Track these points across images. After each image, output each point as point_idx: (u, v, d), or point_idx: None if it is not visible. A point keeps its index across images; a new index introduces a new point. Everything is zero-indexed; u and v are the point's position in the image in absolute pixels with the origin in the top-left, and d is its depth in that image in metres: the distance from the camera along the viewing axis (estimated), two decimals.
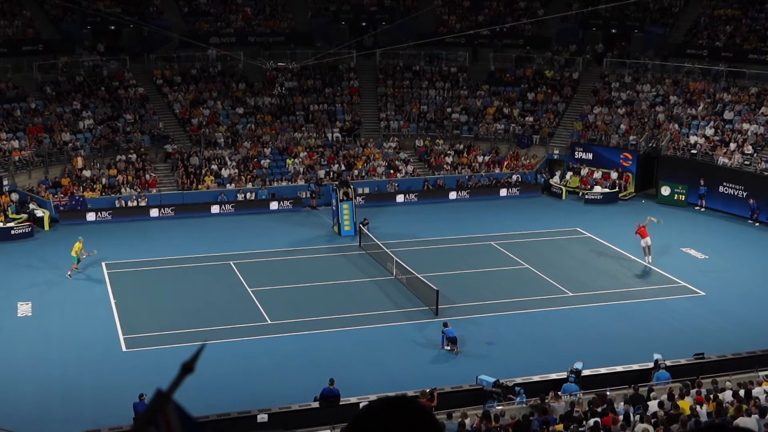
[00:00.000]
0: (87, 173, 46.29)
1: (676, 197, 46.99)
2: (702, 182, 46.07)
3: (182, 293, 33.70)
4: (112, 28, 55.90)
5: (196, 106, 52.05)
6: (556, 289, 34.54)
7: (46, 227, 41.81)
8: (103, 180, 46.04)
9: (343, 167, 49.41)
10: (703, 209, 46.04)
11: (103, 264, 36.46)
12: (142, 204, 44.82)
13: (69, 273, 35.25)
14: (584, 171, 50.18)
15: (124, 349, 28.49)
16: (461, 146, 52.48)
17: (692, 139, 48.30)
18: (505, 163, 51.37)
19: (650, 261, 37.41)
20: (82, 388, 25.76)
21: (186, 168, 47.59)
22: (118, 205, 44.51)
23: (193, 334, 29.44)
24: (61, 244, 39.64)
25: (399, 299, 33.19)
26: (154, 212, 44.44)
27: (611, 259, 38.58)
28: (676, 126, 49.64)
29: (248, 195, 46.25)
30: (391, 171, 49.77)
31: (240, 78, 54.64)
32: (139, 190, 45.75)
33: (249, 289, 33.97)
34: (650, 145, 49.65)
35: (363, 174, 49.38)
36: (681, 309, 32.71)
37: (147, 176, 46.73)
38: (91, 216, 43.41)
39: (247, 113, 52.58)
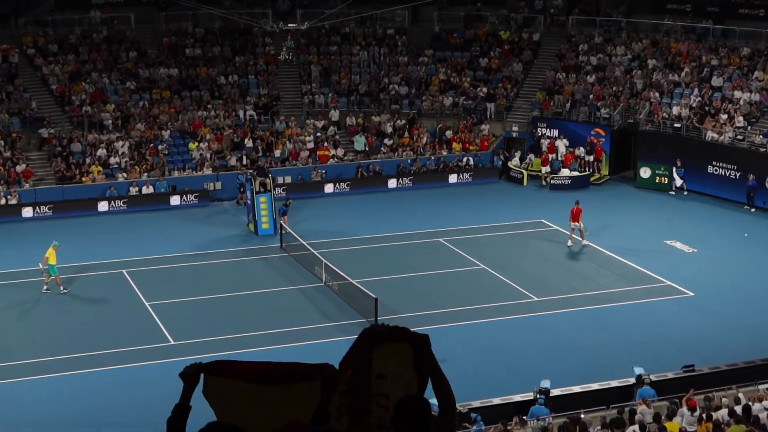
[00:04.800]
0: None
1: (657, 180, 47.58)
2: (679, 163, 46.71)
3: (63, 311, 33.21)
4: None
5: (76, 81, 51.28)
6: (518, 293, 34.72)
7: None
8: None
9: (259, 152, 49.12)
10: (685, 193, 46.62)
11: None
12: (12, 202, 44.08)
13: (45, 287, 34.52)
14: (545, 144, 50.50)
15: None
16: (402, 122, 52.51)
17: (675, 110, 48.94)
18: (456, 138, 51.47)
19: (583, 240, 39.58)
20: None
21: (66, 157, 46.91)
22: None
23: (76, 361, 29.05)
24: None
25: (330, 310, 33.08)
26: (27, 212, 43.73)
27: (583, 256, 38.91)
28: (656, 95, 50.25)
29: (144, 188, 45.76)
30: (318, 155, 49.59)
31: (131, 45, 53.96)
32: (7, 185, 45.00)
33: (146, 303, 33.57)
34: (626, 119, 50.21)
35: (283, 160, 49.16)
36: (666, 313, 33.11)
37: (17, 168, 45.99)
38: None
39: (140, 88, 51.96)
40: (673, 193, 46.81)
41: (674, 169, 46.92)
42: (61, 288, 34.71)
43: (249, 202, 42.05)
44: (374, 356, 4.75)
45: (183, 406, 5.23)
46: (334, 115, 52.41)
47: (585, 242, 39.52)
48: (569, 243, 39.42)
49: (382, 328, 4.65)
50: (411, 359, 4.74)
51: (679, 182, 46.95)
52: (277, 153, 49.37)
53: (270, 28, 48.66)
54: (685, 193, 46.69)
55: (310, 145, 50.13)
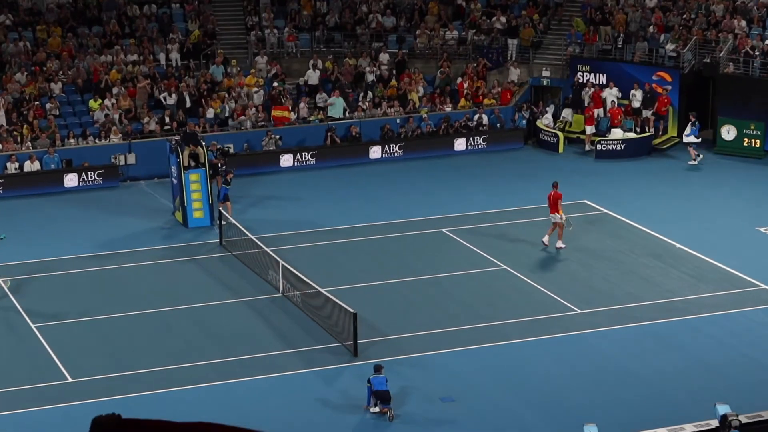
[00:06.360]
0: None
1: (746, 143, 47.59)
2: (693, 117, 46.82)
3: None
4: None
5: None
6: (554, 303, 34.73)
7: None
8: None
9: (187, 111, 48.99)
10: (696, 160, 46.74)
11: None
12: None
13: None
14: (587, 95, 50.47)
15: None
16: (388, 63, 52.42)
17: None
18: (465, 89, 51.44)
19: (546, 241, 38.74)
20: None
21: None
22: None
23: None
24: None
25: (292, 332, 33.04)
26: None
27: (644, 251, 38.94)
28: (743, 24, 50.27)
29: (26, 164, 45.65)
30: (273, 116, 49.47)
31: None
32: None
33: (33, 326, 33.47)
34: (701, 58, 50.23)
35: (222, 121, 49.05)
36: (761, 328, 33.15)
37: None
38: None
39: (18, 24, 51.87)
40: (693, 162, 46.89)
41: (689, 126, 47.07)
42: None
43: (175, 181, 41.97)
44: None
45: None
46: (312, 77, 52.15)
47: (560, 244, 38.77)
48: (552, 242, 38.82)
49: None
50: None
51: (691, 141, 47.07)
52: (210, 113, 49.24)
53: None
54: (697, 160, 46.76)
55: (260, 101, 50.01)
